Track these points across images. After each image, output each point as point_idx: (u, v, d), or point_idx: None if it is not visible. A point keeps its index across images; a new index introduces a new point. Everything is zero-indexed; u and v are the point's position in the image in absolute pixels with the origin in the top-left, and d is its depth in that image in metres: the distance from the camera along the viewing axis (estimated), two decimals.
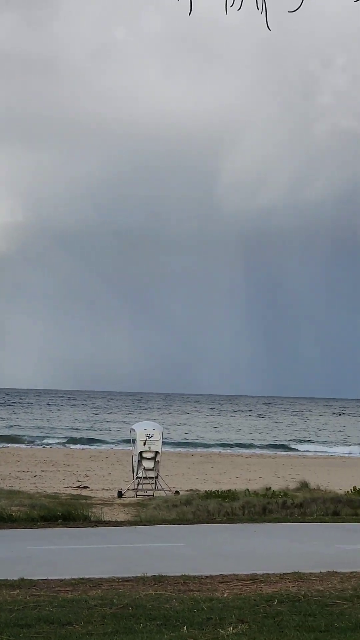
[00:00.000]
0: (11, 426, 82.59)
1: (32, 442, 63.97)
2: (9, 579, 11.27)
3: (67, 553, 14.08)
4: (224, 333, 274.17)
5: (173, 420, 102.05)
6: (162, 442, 27.57)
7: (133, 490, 26.85)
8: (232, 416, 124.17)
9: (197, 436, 77.20)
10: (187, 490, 27.59)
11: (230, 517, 19.46)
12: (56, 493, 26.86)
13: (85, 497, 25.78)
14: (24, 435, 69.61)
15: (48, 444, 62.36)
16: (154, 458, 26.82)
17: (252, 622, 8.85)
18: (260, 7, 6.04)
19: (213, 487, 26.72)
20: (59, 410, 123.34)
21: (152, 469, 26.80)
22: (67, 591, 10.55)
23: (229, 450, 61.54)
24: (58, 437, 69.43)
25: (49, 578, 11.40)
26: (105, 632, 8.53)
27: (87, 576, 11.49)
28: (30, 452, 50.07)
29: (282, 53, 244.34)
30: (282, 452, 61.96)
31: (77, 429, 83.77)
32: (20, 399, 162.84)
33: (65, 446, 61.44)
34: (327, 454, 61.37)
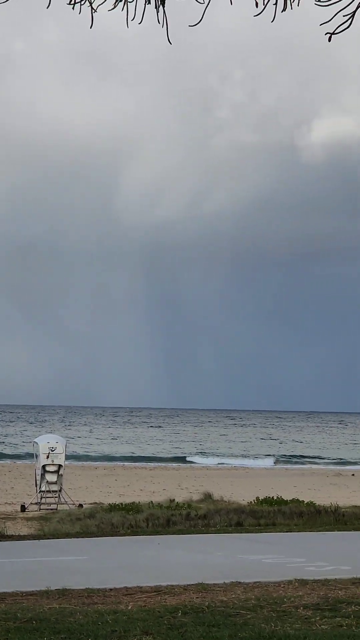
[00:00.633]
0: None
1: None
2: None
3: None
4: (125, 346, 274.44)
5: (75, 433, 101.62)
6: (65, 455, 27.46)
7: (36, 504, 26.67)
8: (135, 428, 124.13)
9: (100, 449, 77.01)
10: (91, 504, 27.49)
11: (134, 530, 19.45)
12: None
13: None
14: None
15: None
16: (57, 471, 26.69)
17: (157, 633, 8.86)
18: (161, 21, 6.08)
19: (117, 500, 26.69)
20: None
21: (55, 483, 26.66)
22: None
23: (132, 463, 61.49)
24: None
25: None
26: None
27: None
28: None
29: (181, 67, 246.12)
30: (186, 464, 62.12)
31: None
32: None
33: None
34: (230, 466, 61.69)
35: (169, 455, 72.13)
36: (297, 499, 26.63)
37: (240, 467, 59.62)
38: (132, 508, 22.55)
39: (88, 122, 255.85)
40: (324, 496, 33.20)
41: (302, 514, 22.12)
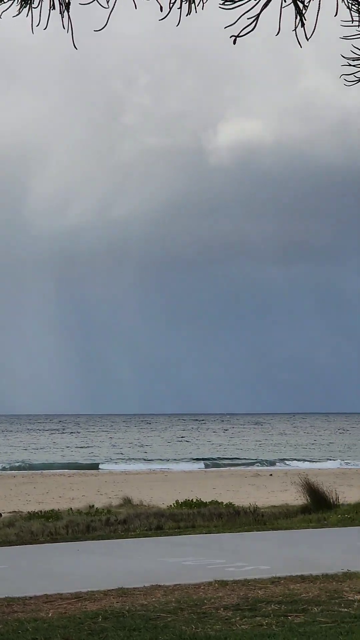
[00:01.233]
0: None
1: None
2: None
3: None
4: (37, 353, 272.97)
5: None
6: None
7: None
8: (51, 435, 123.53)
9: (17, 457, 76.46)
10: (10, 512, 27.29)
11: (54, 537, 19.34)
12: None
13: None
14: None
15: None
16: None
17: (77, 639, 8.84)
18: (66, 26, 6.07)
19: (36, 508, 26.52)
20: None
21: None
22: None
23: (50, 471, 61.17)
24: None
25: None
26: None
27: None
28: None
29: (86, 73, 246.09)
30: (104, 470, 61.99)
31: None
32: None
33: None
34: (148, 470, 61.75)
35: (87, 462, 71.90)
36: (216, 501, 26.76)
37: (159, 471, 59.69)
38: (51, 515, 22.44)
39: None
40: (243, 497, 33.42)
41: (221, 515, 22.22)
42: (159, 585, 11.99)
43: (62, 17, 6.04)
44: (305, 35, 5.71)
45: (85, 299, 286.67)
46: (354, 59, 5.90)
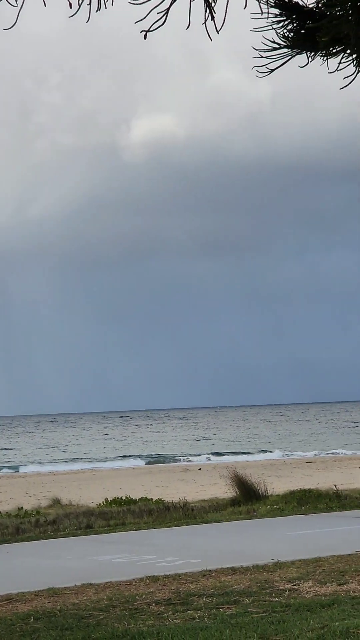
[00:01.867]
0: None
1: None
2: None
3: None
4: None
5: None
6: None
7: None
8: None
9: None
10: None
11: None
12: None
13: None
14: None
15: None
16: None
17: None
18: None
19: None
20: None
21: None
22: None
23: None
24: None
25: None
26: None
27: None
28: None
29: None
30: (32, 470, 61.62)
31: None
32: None
33: None
34: (77, 469, 61.52)
35: (12, 464, 71.40)
36: (146, 497, 26.78)
37: (88, 470, 59.52)
38: None
39: None
40: (173, 492, 33.46)
41: (151, 511, 22.24)
42: (90, 584, 11.96)
43: None
44: (216, 28, 5.74)
45: (5, 299, 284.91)
46: (265, 51, 5.94)
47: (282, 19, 6.00)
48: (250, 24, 5.88)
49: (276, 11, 5.97)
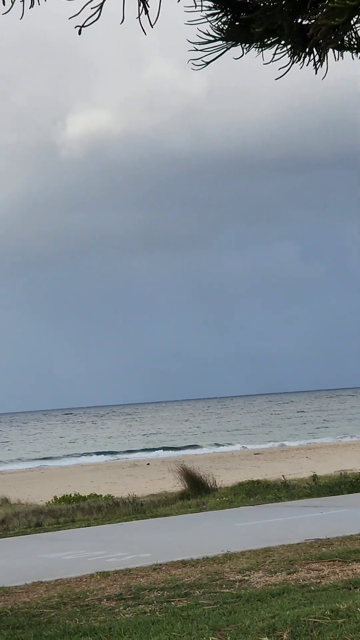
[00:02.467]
0: None
1: None
2: None
3: None
4: None
5: None
6: None
7: None
8: None
9: None
10: None
11: None
12: None
13: None
14: None
15: None
16: None
17: None
18: None
19: None
20: None
21: None
22: None
23: None
24: None
25: None
26: None
27: None
28: None
29: None
30: None
31: None
32: None
33: None
34: (25, 468, 61.29)
35: None
36: (95, 494, 26.78)
37: (36, 469, 59.33)
38: None
39: None
40: (122, 488, 33.48)
41: (100, 507, 22.24)
42: (41, 582, 11.94)
43: None
44: (150, 22, 5.73)
45: None
46: (199, 44, 5.95)
47: (216, 11, 6.01)
48: (184, 17, 5.88)
49: (210, 4, 5.98)
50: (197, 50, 5.98)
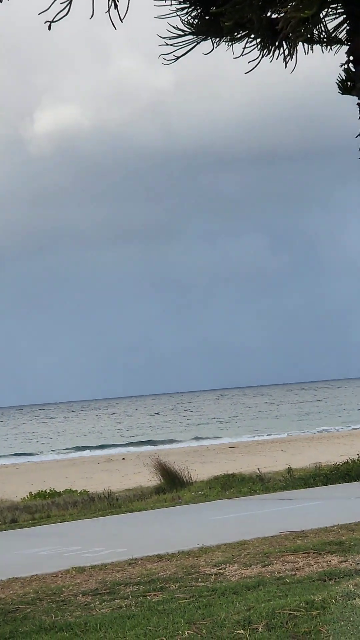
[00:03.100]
0: None
1: None
2: None
3: None
4: None
5: None
6: None
7: None
8: None
9: None
10: None
11: None
12: None
13: None
14: None
15: None
16: None
17: None
18: None
19: None
20: None
21: None
22: None
23: None
24: None
25: None
26: None
27: None
28: None
29: None
30: None
31: None
32: None
33: None
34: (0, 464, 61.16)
35: None
36: (71, 489, 26.77)
37: (10, 465, 59.20)
38: None
39: None
40: (97, 483, 33.45)
41: (76, 503, 22.24)
42: (16, 578, 11.91)
43: None
44: (120, 17, 5.73)
45: None
46: (169, 38, 5.95)
47: (185, 5, 6.01)
48: (153, 11, 5.88)
49: None
50: (167, 44, 5.98)
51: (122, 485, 30.12)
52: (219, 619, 8.16)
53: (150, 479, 25.41)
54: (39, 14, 5.66)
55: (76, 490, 26.16)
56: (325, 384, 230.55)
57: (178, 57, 6.09)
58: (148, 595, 9.83)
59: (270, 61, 5.94)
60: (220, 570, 10.92)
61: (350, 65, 6.09)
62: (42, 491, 26.29)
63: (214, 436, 75.57)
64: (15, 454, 72.31)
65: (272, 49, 5.88)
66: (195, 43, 6.12)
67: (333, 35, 6.04)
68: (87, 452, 68.84)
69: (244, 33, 5.87)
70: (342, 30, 6.01)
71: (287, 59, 5.94)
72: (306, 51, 5.99)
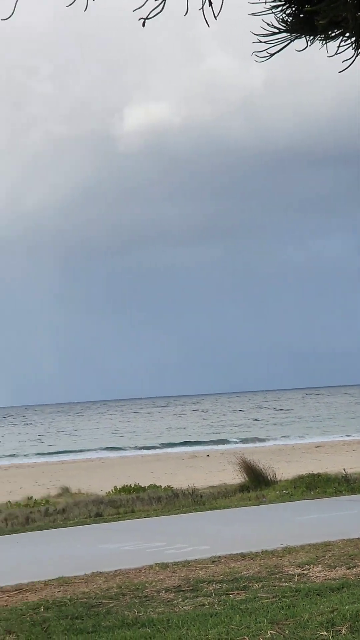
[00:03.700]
0: None
1: None
2: None
3: None
4: None
5: None
6: None
7: None
8: None
9: None
10: None
11: None
12: None
13: None
14: None
15: None
16: None
17: (20, 631, 8.80)
18: None
19: None
20: None
21: None
22: None
23: None
24: None
25: None
26: None
27: None
28: None
29: None
30: (40, 460, 61.73)
31: None
32: None
33: None
34: (86, 458, 61.64)
35: (28, 452, 71.50)
36: (155, 485, 26.83)
37: (96, 459, 59.63)
38: None
39: None
40: (181, 479, 33.51)
41: (160, 498, 22.28)
42: (100, 572, 11.98)
43: None
44: (214, 14, 5.71)
45: (2, 289, 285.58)
46: (263, 36, 5.92)
47: (280, 3, 5.97)
48: (247, 9, 5.85)
49: None
50: (260, 42, 5.95)
51: (206, 482, 30.13)
52: (302, 620, 8.12)
53: (234, 477, 25.36)
54: (133, 11, 5.68)
55: (160, 486, 26.22)
56: None
57: (272, 55, 6.06)
58: (231, 594, 9.82)
59: None
60: (304, 571, 10.86)
61: None
62: (126, 486, 26.40)
63: (299, 435, 75.23)
64: (102, 449, 72.78)
65: None
66: (289, 41, 6.08)
67: None
68: (171, 449, 69.02)
69: (338, 32, 5.81)
70: None
71: None
72: None
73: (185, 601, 9.67)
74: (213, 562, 12.14)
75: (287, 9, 5.99)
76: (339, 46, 5.86)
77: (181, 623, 8.49)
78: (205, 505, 20.56)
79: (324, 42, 5.92)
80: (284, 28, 5.98)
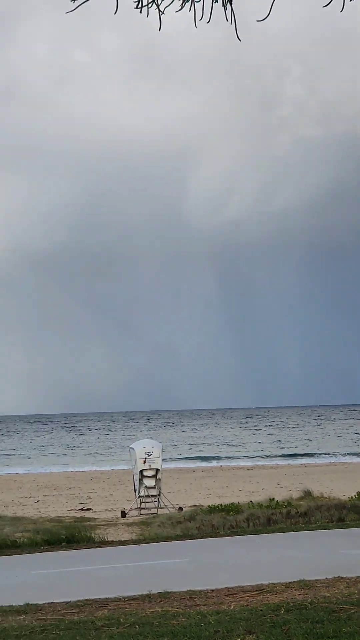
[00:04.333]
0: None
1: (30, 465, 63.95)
2: (14, 604, 11.23)
3: (72, 575, 14.03)
4: (202, 348, 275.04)
5: (169, 436, 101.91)
6: (162, 459, 27.52)
7: (136, 509, 26.79)
8: (221, 429, 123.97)
9: (194, 451, 76.94)
10: (191, 506, 27.52)
11: (235, 530, 19.40)
12: (59, 517, 26.80)
13: (89, 519, 25.73)
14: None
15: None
16: (154, 476, 26.76)
17: (260, 632, 8.82)
18: (229, 18, 6.06)
19: (216, 502, 26.67)
20: (47, 433, 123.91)
21: (153, 487, 26.75)
22: (74, 613, 10.51)
23: (228, 463, 61.39)
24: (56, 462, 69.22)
25: (55, 601, 11.35)
26: None
27: (92, 597, 11.45)
28: (32, 477, 49.95)
29: (239, 68, 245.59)
30: (283, 462, 61.84)
31: (73, 449, 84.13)
32: None
33: (65, 469, 61.14)
34: (328, 462, 61.28)
35: (264, 454, 71.79)
36: None
37: (340, 463, 59.19)
38: (232, 509, 22.53)
39: (151, 127, 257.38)
40: None
41: None
42: (342, 577, 11.87)
43: (225, 9, 6.04)
44: None
45: (249, 292, 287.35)
46: None
47: None
48: None
49: None
50: None
51: None
52: None
53: None
54: None
55: None
56: None
57: None
58: None
59: None
60: None
61: None
62: None
63: None
64: (346, 454, 72.08)
65: None
66: None
67: None
68: None
69: None
70: None
71: None
72: None
73: None
74: None
75: None
76: None
77: None
78: None
79: None
80: None
